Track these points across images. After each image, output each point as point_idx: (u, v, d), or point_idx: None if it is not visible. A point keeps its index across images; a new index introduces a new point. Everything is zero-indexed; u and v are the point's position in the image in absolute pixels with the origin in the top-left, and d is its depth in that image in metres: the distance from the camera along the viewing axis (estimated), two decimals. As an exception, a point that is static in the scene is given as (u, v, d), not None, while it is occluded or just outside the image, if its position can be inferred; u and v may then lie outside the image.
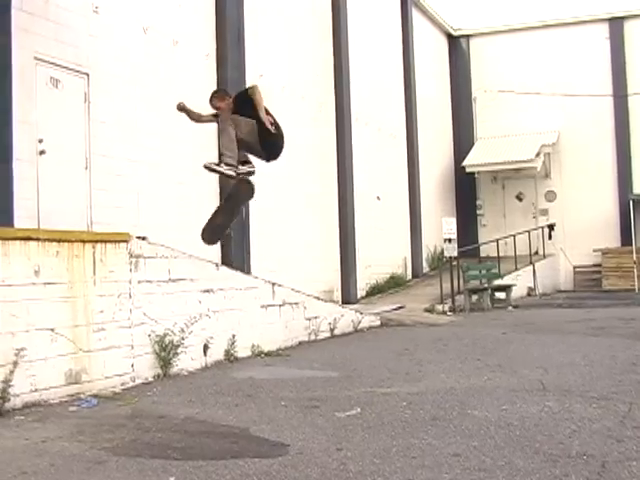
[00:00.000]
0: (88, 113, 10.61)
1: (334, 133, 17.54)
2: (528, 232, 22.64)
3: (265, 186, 14.75)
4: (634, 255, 22.44)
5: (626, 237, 23.17)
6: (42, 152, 9.77)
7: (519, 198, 25.16)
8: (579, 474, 4.36)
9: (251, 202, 13.91)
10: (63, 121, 10.20)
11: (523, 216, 24.84)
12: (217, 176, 13.35)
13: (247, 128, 6.74)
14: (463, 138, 25.39)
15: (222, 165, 6.60)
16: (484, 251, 22.29)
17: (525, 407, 6.30)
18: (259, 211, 14.39)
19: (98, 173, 10.71)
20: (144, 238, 8.41)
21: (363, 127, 19.19)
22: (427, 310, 16.00)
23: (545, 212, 24.67)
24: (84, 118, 10.54)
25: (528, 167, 23.76)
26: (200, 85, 12.38)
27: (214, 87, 12.23)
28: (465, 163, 24.40)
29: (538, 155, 23.55)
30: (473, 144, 25.21)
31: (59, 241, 7.19)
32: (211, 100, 7.09)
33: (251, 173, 6.77)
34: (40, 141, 9.75)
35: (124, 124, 11.32)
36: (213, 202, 13.37)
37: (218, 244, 13.28)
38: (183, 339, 8.63)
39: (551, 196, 24.71)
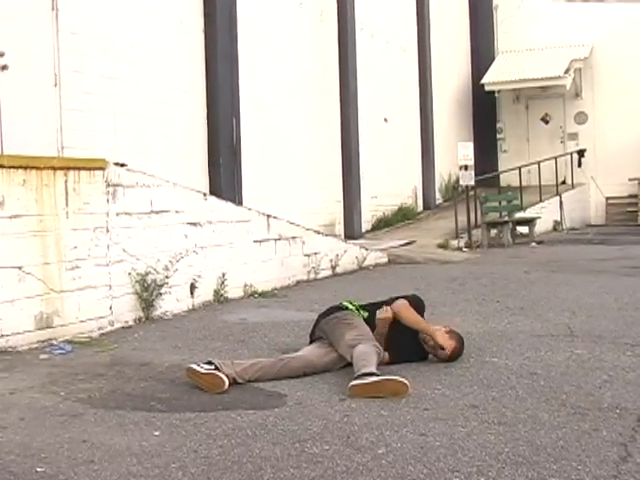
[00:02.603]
0: (56, 23, 10.43)
1: (336, 46, 17.29)
2: (555, 159, 22.50)
3: (257, 105, 14.66)
4: (674, 185, 22.40)
5: (666, 165, 23.10)
6: (4, 67, 9.63)
7: (545, 120, 24.97)
8: (611, 429, 4.37)
9: (242, 124, 13.92)
10: (27, 32, 10.02)
11: (549, 141, 24.69)
12: (205, 96, 13.35)
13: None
14: (482, 52, 25.06)
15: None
16: (504, 180, 22.22)
17: (550, 354, 6.31)
18: (251, 134, 14.29)
19: (69, 91, 10.58)
20: (123, 165, 8.32)
21: (369, 39, 18.93)
22: (440, 246, 16.01)
23: (574, 136, 24.51)
24: (52, 28, 10.36)
25: (556, 85, 23.52)
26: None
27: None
28: (484, 80, 24.15)
29: (568, 71, 23.28)
30: (493, 59, 24.91)
31: (26, 168, 7.10)
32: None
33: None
34: (1, 55, 9.60)
35: (98, 35, 11.13)
36: (201, 124, 13.32)
37: (206, 171, 13.27)
38: (167, 278, 8.62)
39: (582, 118, 24.49)
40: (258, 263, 10.44)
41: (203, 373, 5.41)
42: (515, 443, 4.16)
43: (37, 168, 7.21)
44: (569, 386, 5.29)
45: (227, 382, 5.32)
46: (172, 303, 8.77)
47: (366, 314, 6.14)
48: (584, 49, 23.92)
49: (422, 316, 6.23)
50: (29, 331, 7.02)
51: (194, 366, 5.50)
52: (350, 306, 6.21)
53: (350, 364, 5.70)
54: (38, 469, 3.95)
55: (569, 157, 23.71)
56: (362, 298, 6.61)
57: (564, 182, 23.24)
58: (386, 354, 5.91)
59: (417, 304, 6.28)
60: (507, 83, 24.10)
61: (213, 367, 5.43)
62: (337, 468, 3.87)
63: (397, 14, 20.55)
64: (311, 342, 6.16)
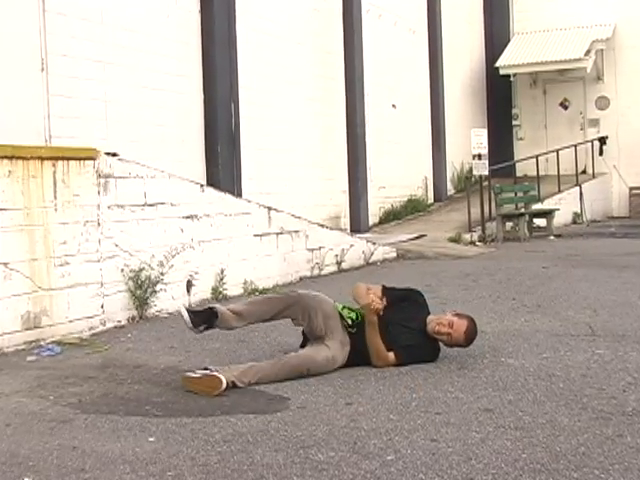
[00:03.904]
0: (42, 3, 10.42)
1: (341, 27, 17.27)
2: (574, 147, 22.45)
3: (257, 91, 14.65)
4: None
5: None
6: (-13, 51, 9.64)
7: (564, 106, 24.91)
8: (636, 434, 4.36)
9: (241, 111, 13.92)
10: (11, 13, 10.01)
11: (568, 127, 24.63)
12: (202, 81, 13.34)
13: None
14: (497, 33, 24.98)
15: None
16: (521, 170, 22.19)
17: (570, 355, 6.30)
18: (251, 121, 14.28)
19: (57, 76, 10.58)
20: (114, 154, 8.33)
21: (376, 20, 18.89)
22: (452, 240, 16.00)
23: (595, 123, 24.44)
24: (37, 9, 10.35)
25: (576, 68, 23.44)
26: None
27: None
28: (499, 63, 24.08)
29: (588, 53, 23.20)
30: (509, 40, 24.84)
31: (11, 158, 7.11)
32: None
33: None
34: (-16, 37, 9.61)
35: (88, 16, 11.13)
36: (197, 111, 13.31)
37: (203, 161, 13.27)
38: (162, 274, 8.63)
39: (603, 103, 24.43)
40: (259, 258, 10.44)
41: (198, 377, 5.46)
42: (533, 449, 4.16)
43: (23, 158, 7.22)
44: (590, 389, 5.29)
45: (225, 381, 5.36)
46: (168, 301, 8.77)
47: (353, 314, 6.21)
48: (606, 29, 23.83)
49: (426, 310, 6.30)
50: (16, 331, 7.04)
51: (189, 373, 5.57)
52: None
53: (358, 364, 5.90)
54: (26, 479, 3.95)
55: (590, 145, 23.65)
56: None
57: (584, 171, 23.19)
58: (391, 354, 5.98)
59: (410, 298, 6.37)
60: (523, 66, 24.03)
61: (209, 371, 5.49)
62: (343, 476, 3.88)
63: (406, -7, 20.55)
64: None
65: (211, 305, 5.98)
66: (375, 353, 6.01)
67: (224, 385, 5.36)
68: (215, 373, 5.44)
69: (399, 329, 6.08)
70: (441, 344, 6.18)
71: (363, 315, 6.12)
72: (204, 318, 5.86)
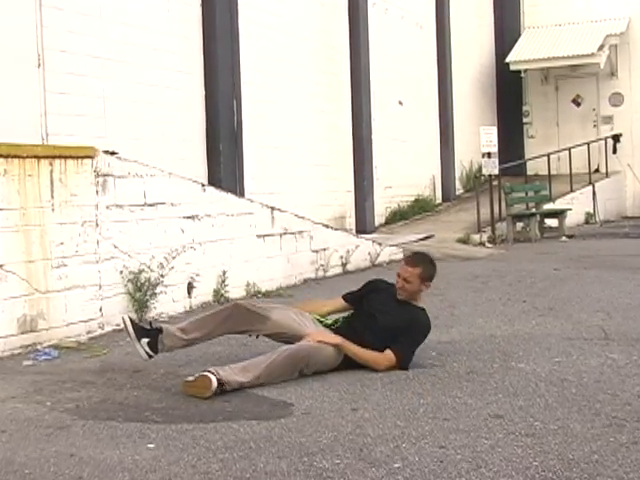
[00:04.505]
0: (39, -4, 10.44)
1: (346, 21, 17.27)
2: (587, 145, 22.45)
3: (259, 88, 14.65)
4: None
5: None
6: (-18, 46, 9.65)
7: (576, 102, 24.89)
8: (650, 441, 4.36)
9: (244, 108, 13.92)
10: (6, 7, 10.02)
11: (581, 125, 24.61)
12: (203, 77, 13.34)
13: None
14: (507, 28, 24.97)
15: None
16: (532, 168, 22.16)
17: (583, 359, 6.30)
18: (253, 119, 14.29)
19: (54, 72, 10.58)
20: (113, 153, 8.34)
21: (382, 14, 18.89)
22: (461, 241, 16.01)
23: (609, 120, 24.42)
24: (34, 3, 10.35)
25: (589, 63, 23.43)
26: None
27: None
28: (509, 59, 24.07)
29: (602, 48, 23.18)
30: (519, 35, 24.83)
31: (7, 157, 7.11)
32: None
33: None
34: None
35: (86, 11, 11.13)
36: (198, 109, 13.32)
37: (204, 159, 13.27)
38: (163, 276, 8.63)
39: (617, 99, 24.41)
40: (262, 260, 10.44)
41: (193, 380, 5.52)
42: (544, 457, 4.15)
43: (19, 157, 7.22)
44: (604, 394, 5.28)
45: (214, 380, 5.37)
46: (168, 304, 8.78)
47: (328, 321, 6.34)
48: (620, 23, 23.81)
49: (392, 285, 6.38)
50: (11, 335, 7.04)
51: (189, 377, 5.63)
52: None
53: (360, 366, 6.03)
54: (22, 486, 3.96)
55: (603, 143, 23.62)
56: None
57: (597, 170, 23.16)
58: (388, 352, 6.02)
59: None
60: (534, 62, 24.02)
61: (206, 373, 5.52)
62: (349, 484, 3.88)
63: (413, -14, 20.54)
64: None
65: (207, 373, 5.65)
66: (372, 363, 6.04)
67: (214, 384, 5.37)
68: (206, 373, 5.46)
69: (382, 316, 6.14)
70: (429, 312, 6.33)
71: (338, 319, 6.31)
72: (147, 332, 5.95)
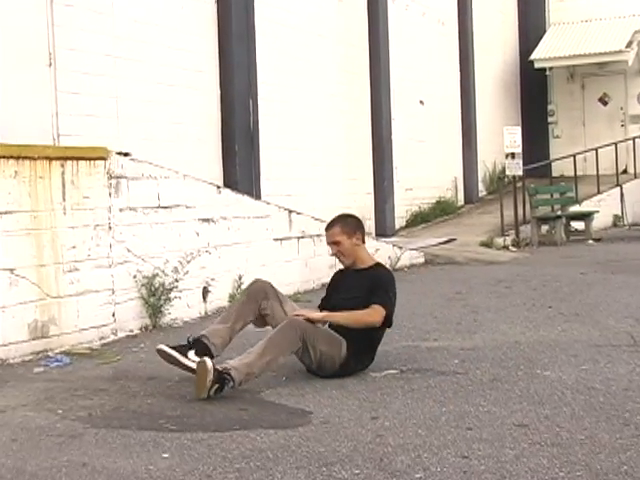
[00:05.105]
0: (50, -6, 10.49)
1: (365, 19, 17.28)
2: (614, 145, 22.34)
3: (276, 87, 14.67)
4: None
5: None
6: (-8, 45, 9.69)
7: (603, 101, 24.80)
8: (681, 451, 4.34)
9: (260, 108, 13.93)
10: (17, 5, 10.07)
11: (608, 124, 24.51)
12: (218, 76, 13.37)
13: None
14: (532, 24, 24.92)
15: None
16: (557, 169, 22.08)
17: (611, 367, 6.27)
18: (270, 119, 14.30)
19: (65, 72, 10.62)
20: (126, 154, 8.36)
21: (403, 11, 18.89)
22: (484, 244, 15.97)
23: (637, 119, 24.31)
24: (45, 1, 10.39)
25: (617, 60, 23.33)
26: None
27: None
28: (534, 56, 24.01)
29: (630, 45, 23.09)
30: (544, 32, 24.76)
31: (18, 158, 7.14)
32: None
33: None
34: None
35: (98, 9, 11.17)
36: (214, 108, 13.34)
37: (219, 161, 13.29)
38: (177, 281, 8.64)
39: (646, 98, 24.34)
40: (279, 264, 10.44)
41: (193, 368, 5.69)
42: (571, 467, 4.13)
43: (30, 158, 7.25)
44: (633, 403, 5.25)
45: (209, 364, 5.46)
46: (182, 309, 8.79)
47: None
48: (649, 19, 23.75)
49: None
50: (22, 341, 7.07)
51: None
52: None
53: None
54: (33, 496, 3.97)
55: (631, 143, 23.48)
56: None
57: (625, 171, 23.05)
58: (375, 307, 6.12)
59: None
60: (560, 59, 23.95)
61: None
62: (369, 495, 3.88)
63: (434, -18, 20.53)
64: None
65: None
66: (364, 319, 6.12)
67: (209, 366, 5.45)
68: (204, 358, 5.57)
69: (348, 294, 6.31)
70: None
71: None
72: (188, 346, 6.01)
